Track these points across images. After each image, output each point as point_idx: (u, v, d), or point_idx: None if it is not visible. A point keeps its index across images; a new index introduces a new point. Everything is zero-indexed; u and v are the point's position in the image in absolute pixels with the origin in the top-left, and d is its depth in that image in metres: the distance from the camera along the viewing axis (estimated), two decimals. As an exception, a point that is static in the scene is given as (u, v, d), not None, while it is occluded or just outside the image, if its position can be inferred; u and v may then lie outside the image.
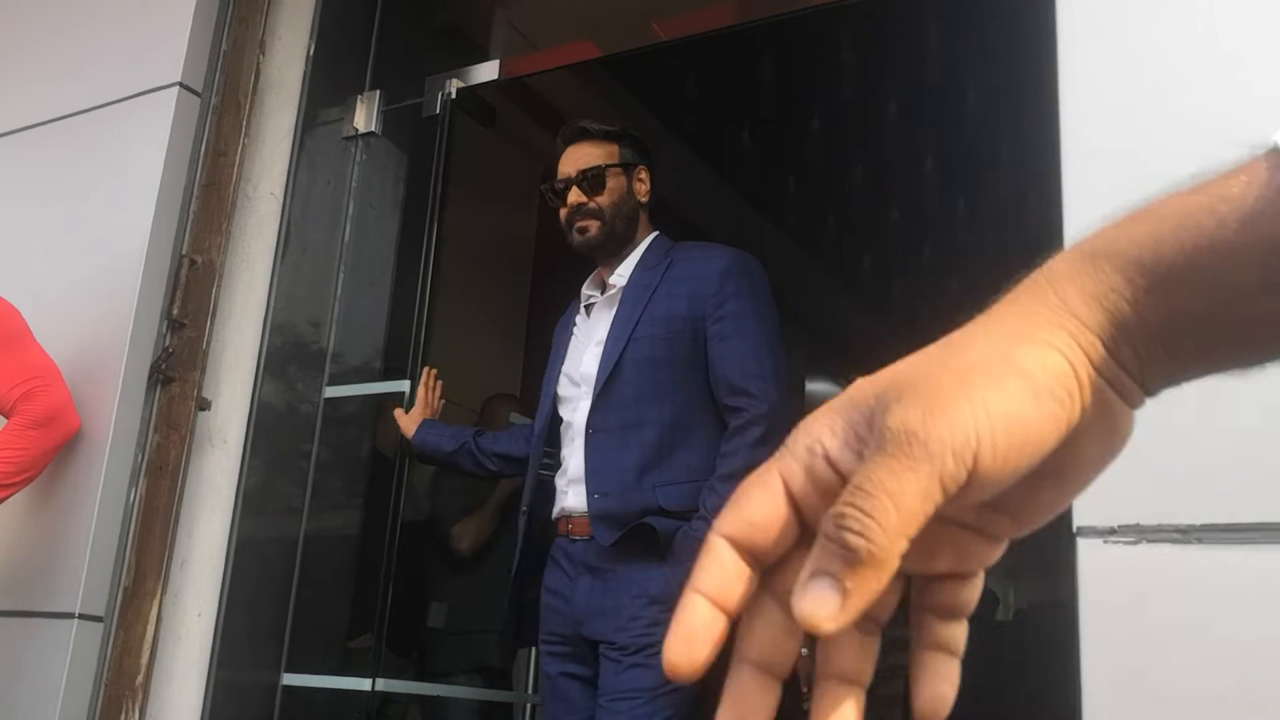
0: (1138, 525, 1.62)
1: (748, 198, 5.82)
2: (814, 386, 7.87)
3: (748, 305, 2.32)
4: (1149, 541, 1.60)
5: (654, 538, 2.19)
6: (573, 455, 2.37)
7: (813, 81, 4.76)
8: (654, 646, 2.15)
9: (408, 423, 2.78)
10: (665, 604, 2.17)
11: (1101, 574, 1.63)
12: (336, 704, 2.92)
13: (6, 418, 2.56)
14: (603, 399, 2.33)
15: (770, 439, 2.20)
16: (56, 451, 2.58)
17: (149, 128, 2.91)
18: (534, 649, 2.90)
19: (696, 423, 2.29)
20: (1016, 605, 7.49)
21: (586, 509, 2.29)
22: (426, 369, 2.85)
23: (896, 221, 6.33)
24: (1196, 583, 1.57)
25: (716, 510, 1.96)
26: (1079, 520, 1.66)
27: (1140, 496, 1.63)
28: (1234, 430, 1.61)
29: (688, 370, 2.30)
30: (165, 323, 2.85)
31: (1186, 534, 1.59)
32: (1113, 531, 1.63)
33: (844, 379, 8.45)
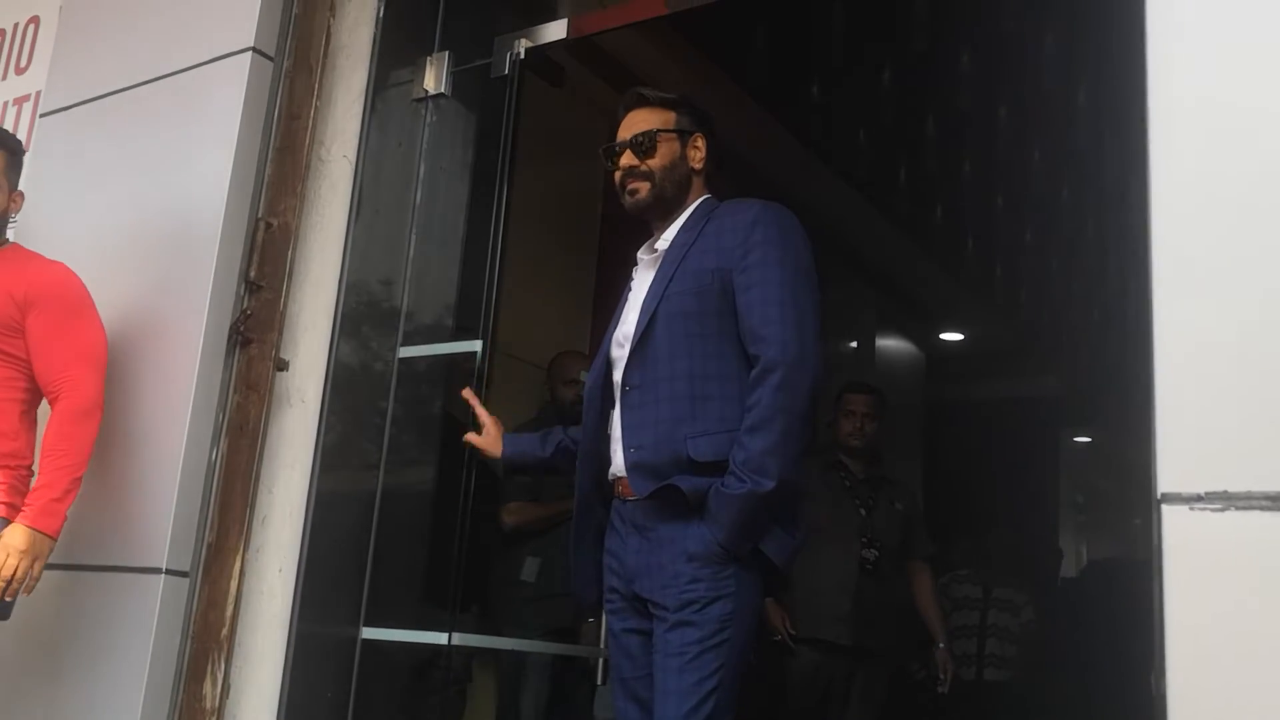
0: (1225, 492, 1.57)
1: (818, 152, 5.75)
2: (883, 342, 7.81)
3: (771, 254, 2.31)
4: (1237, 509, 1.56)
5: (683, 498, 2.21)
6: (615, 414, 2.40)
7: (883, 34, 4.67)
8: (696, 603, 2.17)
9: (490, 443, 2.71)
10: (703, 561, 2.18)
11: (1186, 542, 1.58)
12: (414, 657, 2.97)
13: (49, 398, 2.63)
14: (637, 355, 2.35)
15: (789, 385, 2.18)
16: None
17: (224, 93, 2.95)
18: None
19: (729, 374, 2.28)
20: (1095, 573, 7.39)
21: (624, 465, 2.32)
22: (465, 390, 2.77)
23: (970, 175, 6.22)
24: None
25: (744, 465, 1.99)
26: (1163, 486, 1.62)
27: (1228, 462, 1.58)
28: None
29: (718, 322, 2.31)
30: (243, 285, 2.90)
31: (1276, 501, 1.54)
32: (1199, 498, 1.58)
33: (916, 335, 8.37)
